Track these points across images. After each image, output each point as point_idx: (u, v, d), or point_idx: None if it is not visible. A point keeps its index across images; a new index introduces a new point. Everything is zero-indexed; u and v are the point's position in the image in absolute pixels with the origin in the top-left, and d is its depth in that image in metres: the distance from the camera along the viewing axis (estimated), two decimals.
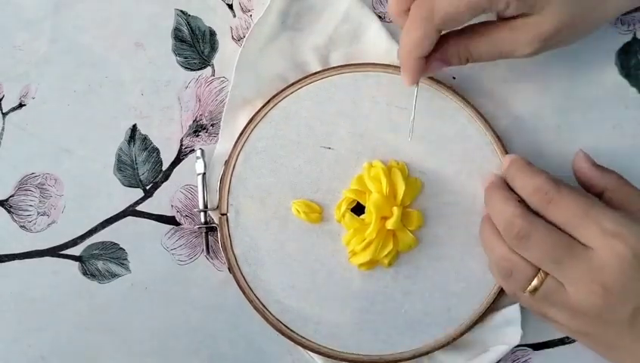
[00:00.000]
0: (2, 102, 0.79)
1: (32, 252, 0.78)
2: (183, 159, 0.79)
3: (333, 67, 0.77)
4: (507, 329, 0.75)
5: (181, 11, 0.80)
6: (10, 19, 0.80)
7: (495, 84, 0.77)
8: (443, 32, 0.67)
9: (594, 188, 0.69)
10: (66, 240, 0.78)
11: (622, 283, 0.61)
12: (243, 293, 0.75)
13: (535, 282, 0.65)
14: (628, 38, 0.79)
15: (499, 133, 0.76)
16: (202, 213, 0.77)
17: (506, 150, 0.76)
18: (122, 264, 0.78)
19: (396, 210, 0.72)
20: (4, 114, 0.79)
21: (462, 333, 0.75)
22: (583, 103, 0.79)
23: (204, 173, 0.77)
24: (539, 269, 0.64)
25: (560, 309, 0.65)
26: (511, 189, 0.69)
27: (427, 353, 0.75)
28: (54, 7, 0.80)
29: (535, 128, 0.79)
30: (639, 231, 0.61)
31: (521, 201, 0.67)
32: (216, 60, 0.80)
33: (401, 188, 0.73)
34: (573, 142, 0.78)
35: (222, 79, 0.80)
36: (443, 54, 0.69)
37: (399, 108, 0.75)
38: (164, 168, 0.79)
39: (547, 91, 0.79)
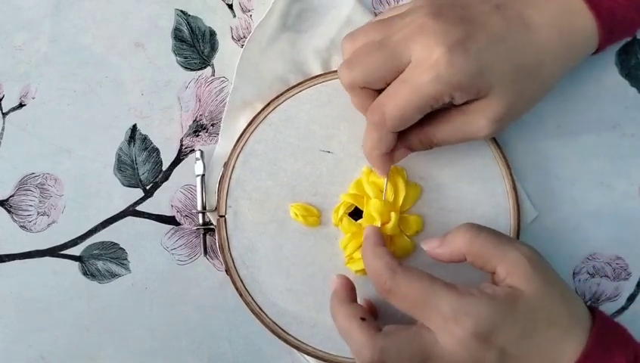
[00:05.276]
0: (2, 102, 0.79)
1: (32, 252, 0.79)
2: (183, 159, 0.79)
3: (335, 71, 0.77)
4: None
5: (181, 11, 0.80)
6: (10, 19, 0.80)
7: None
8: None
9: (455, 261, 0.68)
10: (66, 240, 0.79)
11: None
12: (240, 295, 0.76)
13: None
14: (628, 38, 0.79)
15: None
16: (200, 214, 0.78)
17: (505, 157, 0.76)
18: (122, 264, 0.79)
19: (393, 216, 0.72)
20: (4, 114, 0.79)
21: None
22: (583, 104, 0.79)
23: (203, 174, 0.77)
24: None
25: None
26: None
27: None
28: (54, 7, 0.80)
29: (535, 128, 0.79)
30: (475, 311, 0.61)
31: None
32: (216, 60, 0.80)
33: (401, 193, 0.73)
34: (573, 142, 0.78)
35: (222, 79, 0.80)
36: (407, 142, 0.71)
37: None
38: (164, 168, 0.79)
39: None
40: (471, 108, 0.67)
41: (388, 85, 0.67)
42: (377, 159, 0.70)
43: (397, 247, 0.74)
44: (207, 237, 0.78)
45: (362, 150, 0.70)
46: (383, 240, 0.69)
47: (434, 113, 0.68)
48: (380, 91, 0.68)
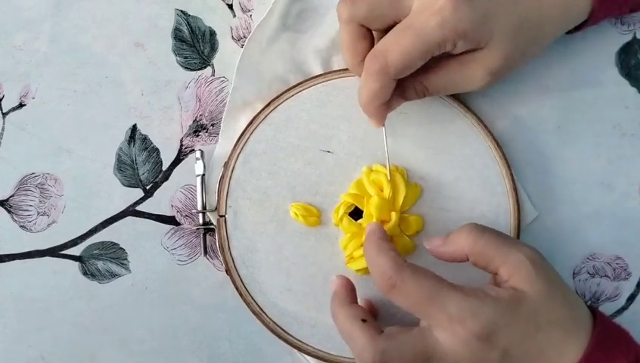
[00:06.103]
0: (2, 102, 0.79)
1: (32, 252, 0.79)
2: (183, 159, 0.79)
3: (335, 70, 0.77)
4: None
5: (181, 11, 0.80)
6: (10, 19, 0.80)
7: (495, 84, 0.77)
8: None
9: (457, 260, 0.68)
10: (66, 240, 0.79)
11: None
12: (240, 295, 0.76)
13: None
14: (628, 38, 0.79)
15: (499, 133, 0.77)
16: (200, 214, 0.78)
17: (505, 157, 0.76)
18: (122, 264, 0.79)
19: (394, 215, 0.72)
20: (4, 114, 0.79)
21: None
22: (583, 103, 0.79)
23: (203, 174, 0.77)
24: None
25: None
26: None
27: None
28: (54, 7, 0.80)
29: (535, 128, 0.79)
30: (481, 312, 0.61)
31: None
32: (216, 60, 0.80)
33: (401, 193, 0.73)
34: (573, 142, 0.78)
35: (222, 79, 0.80)
36: (401, 90, 0.70)
37: (399, 112, 0.75)
38: (164, 168, 0.79)
39: (547, 91, 0.78)
40: (469, 58, 0.68)
41: (384, 29, 0.68)
42: (376, 110, 0.69)
43: (397, 247, 0.73)
44: (207, 237, 0.78)
45: (358, 100, 0.69)
46: (388, 235, 0.69)
47: (430, 62, 0.68)
48: (370, 37, 0.69)
